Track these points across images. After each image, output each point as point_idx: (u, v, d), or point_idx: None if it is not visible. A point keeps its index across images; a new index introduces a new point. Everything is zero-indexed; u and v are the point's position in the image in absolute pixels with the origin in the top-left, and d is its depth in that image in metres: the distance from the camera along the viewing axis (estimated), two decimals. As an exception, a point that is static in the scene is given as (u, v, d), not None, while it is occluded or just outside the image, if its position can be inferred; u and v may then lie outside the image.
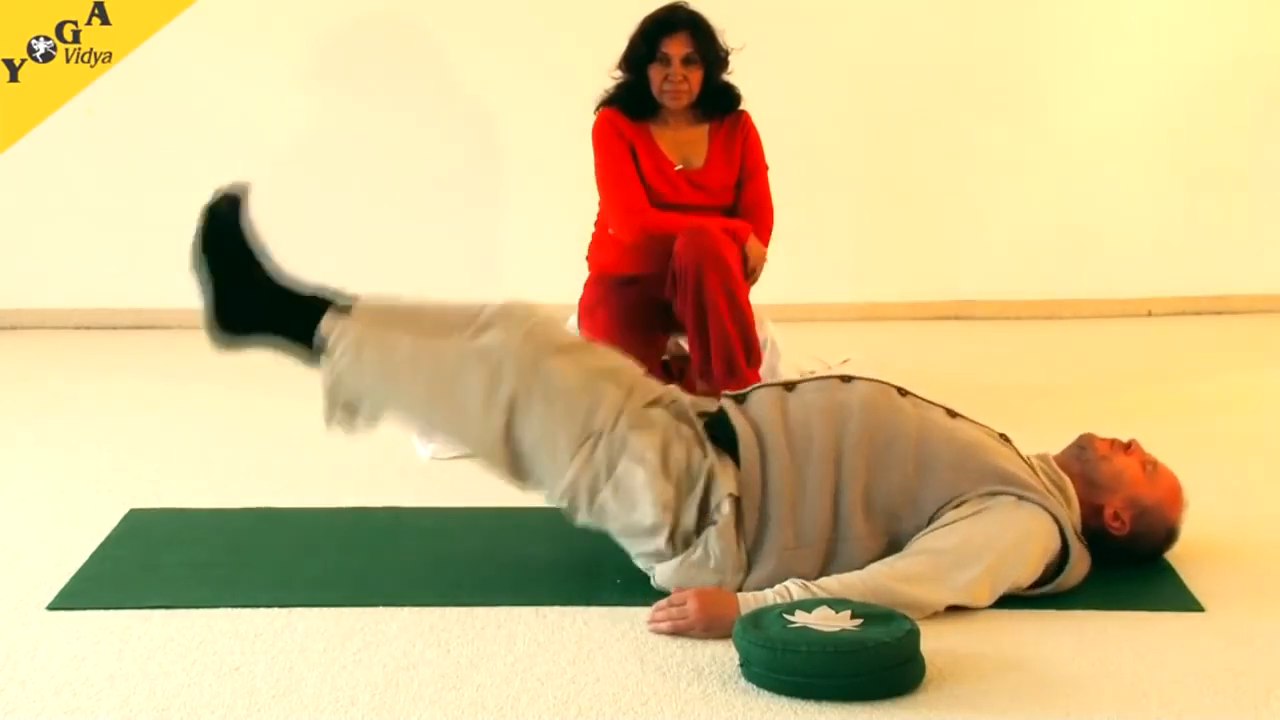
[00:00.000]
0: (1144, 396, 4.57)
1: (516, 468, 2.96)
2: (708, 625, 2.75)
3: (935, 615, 2.80)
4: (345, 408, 2.98)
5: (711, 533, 2.90)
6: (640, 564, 3.00)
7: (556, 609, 2.90)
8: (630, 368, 3.17)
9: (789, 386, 3.09)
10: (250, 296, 3.01)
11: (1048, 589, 2.93)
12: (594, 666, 2.66)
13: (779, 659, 2.53)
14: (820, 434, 2.96)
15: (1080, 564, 2.97)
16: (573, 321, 4.42)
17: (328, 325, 2.97)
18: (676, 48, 4.17)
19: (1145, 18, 5.63)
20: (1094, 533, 3.03)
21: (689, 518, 2.91)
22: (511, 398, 2.89)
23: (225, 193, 3.04)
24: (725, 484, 2.92)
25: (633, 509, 2.90)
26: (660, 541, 2.91)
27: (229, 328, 3.01)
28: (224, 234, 3.01)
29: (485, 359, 2.92)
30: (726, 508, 2.91)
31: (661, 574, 2.94)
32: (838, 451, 2.94)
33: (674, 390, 3.18)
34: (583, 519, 2.96)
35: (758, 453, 2.95)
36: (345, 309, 3.04)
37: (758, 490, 2.93)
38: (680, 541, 2.92)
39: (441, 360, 2.93)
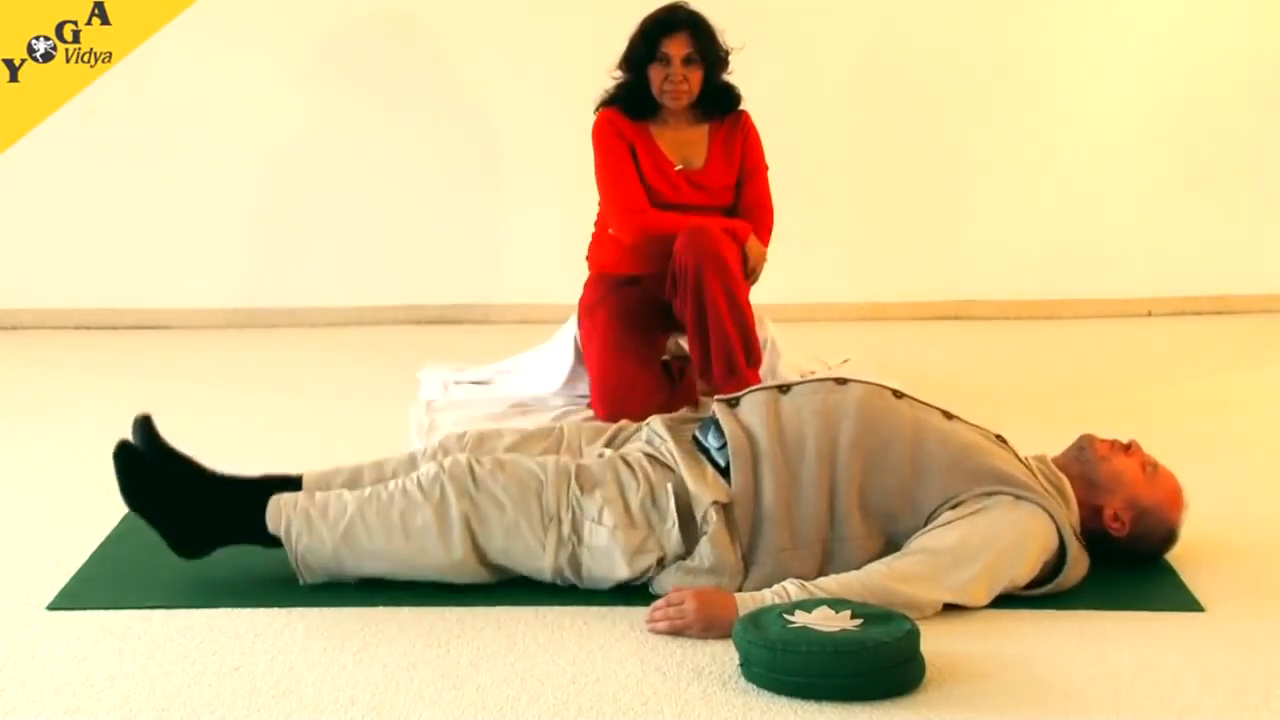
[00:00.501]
0: (1144, 396, 4.57)
1: (503, 573, 2.98)
2: (706, 625, 2.75)
3: (935, 615, 2.81)
4: (327, 577, 2.99)
5: (704, 542, 2.91)
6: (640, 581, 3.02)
7: (556, 609, 2.90)
8: (570, 427, 3.24)
9: (784, 389, 3.10)
10: (196, 519, 2.99)
11: (1047, 589, 2.93)
12: (594, 666, 2.66)
13: (779, 659, 2.53)
14: (814, 436, 2.96)
15: (1079, 564, 2.97)
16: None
17: (273, 517, 2.96)
18: (677, 47, 4.17)
19: (1145, 18, 5.62)
20: (1094, 534, 3.03)
21: (671, 543, 2.93)
22: (464, 518, 2.92)
23: (133, 426, 3.04)
24: (708, 494, 2.93)
25: (612, 566, 2.94)
26: (649, 547, 2.93)
27: (190, 553, 3.01)
28: (143, 474, 2.99)
29: (428, 494, 2.94)
30: (714, 516, 2.92)
31: (659, 582, 2.95)
32: (832, 453, 2.95)
33: (626, 424, 3.24)
34: (583, 586, 2.98)
35: (750, 456, 2.96)
36: (288, 487, 3.06)
37: (750, 493, 2.93)
38: (670, 548, 2.94)
39: (386, 507, 2.94)
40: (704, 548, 2.91)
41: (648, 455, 3.03)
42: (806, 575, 2.87)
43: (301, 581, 2.98)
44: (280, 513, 2.97)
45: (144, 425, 3.05)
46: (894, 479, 2.94)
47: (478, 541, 2.93)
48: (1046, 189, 5.73)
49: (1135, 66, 5.65)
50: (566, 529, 2.93)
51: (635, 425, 3.23)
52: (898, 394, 3.09)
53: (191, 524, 2.99)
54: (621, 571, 2.93)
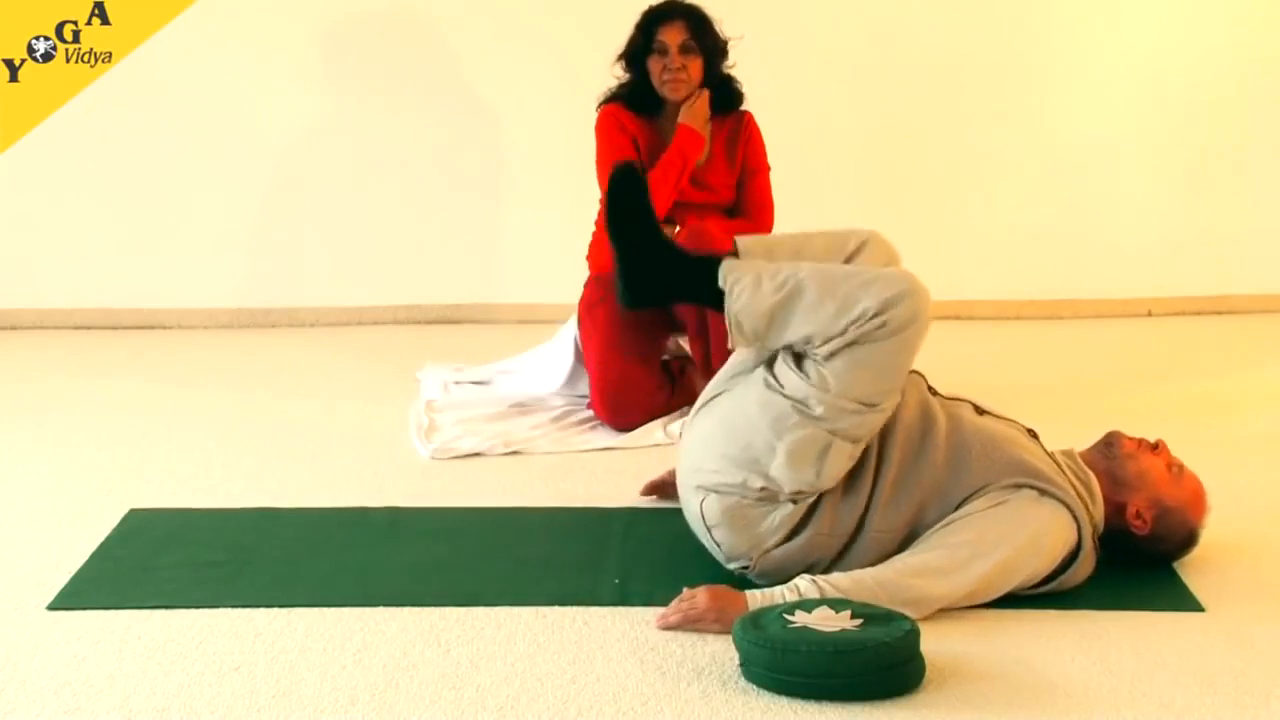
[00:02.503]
0: (1143, 396, 4.57)
1: (824, 350, 2.91)
2: (718, 616, 2.75)
3: (935, 615, 2.81)
4: (750, 334, 2.97)
5: (789, 506, 2.92)
6: (700, 481, 2.99)
7: (556, 609, 2.90)
8: None
9: None
10: (653, 270, 3.00)
11: (1049, 587, 2.93)
12: (594, 666, 2.66)
13: (779, 659, 2.53)
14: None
15: (1085, 565, 2.96)
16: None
17: (726, 272, 2.96)
18: (673, 35, 4.18)
19: (1146, 18, 5.62)
20: (1114, 531, 3.03)
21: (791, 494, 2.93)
22: (890, 318, 2.89)
23: (625, 170, 3.05)
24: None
25: (798, 462, 2.89)
26: (755, 480, 2.91)
27: (637, 300, 3.03)
28: (627, 208, 3.01)
29: (884, 276, 2.93)
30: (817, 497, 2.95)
31: (710, 507, 2.96)
32: (882, 443, 2.97)
33: None
34: (770, 394, 2.93)
35: None
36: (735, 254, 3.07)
37: None
38: (766, 496, 2.93)
39: (837, 281, 2.92)
40: (784, 509, 2.92)
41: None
42: (823, 562, 2.90)
43: (730, 343, 2.98)
44: (733, 270, 2.96)
45: (632, 176, 3.04)
46: (928, 470, 2.96)
47: (876, 329, 2.89)
48: (1047, 189, 5.72)
49: (1136, 66, 5.64)
50: (853, 417, 2.88)
51: None
52: (932, 390, 3.11)
53: (647, 273, 3.00)
54: (797, 475, 2.89)
